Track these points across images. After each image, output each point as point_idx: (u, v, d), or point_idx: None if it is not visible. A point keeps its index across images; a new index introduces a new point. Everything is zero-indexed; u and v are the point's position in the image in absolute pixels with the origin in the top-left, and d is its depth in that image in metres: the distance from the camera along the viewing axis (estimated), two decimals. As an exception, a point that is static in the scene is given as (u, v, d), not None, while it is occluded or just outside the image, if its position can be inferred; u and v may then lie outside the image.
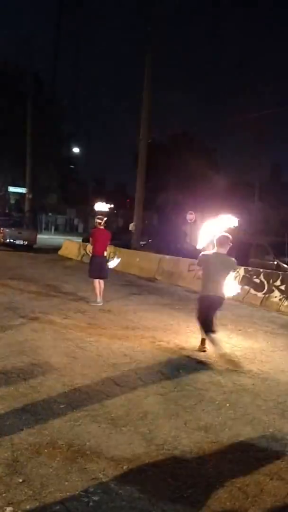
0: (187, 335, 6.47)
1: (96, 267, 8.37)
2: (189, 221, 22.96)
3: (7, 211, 33.05)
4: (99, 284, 8.34)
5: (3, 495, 2.42)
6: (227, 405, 3.95)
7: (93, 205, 38.99)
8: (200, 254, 5.61)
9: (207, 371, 4.86)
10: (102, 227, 8.48)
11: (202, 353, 5.49)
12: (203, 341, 5.59)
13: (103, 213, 8.86)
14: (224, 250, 5.37)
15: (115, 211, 42.92)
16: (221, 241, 5.37)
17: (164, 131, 35.23)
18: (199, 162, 31.65)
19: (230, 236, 5.42)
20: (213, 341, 5.20)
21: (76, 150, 40.44)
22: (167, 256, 14.07)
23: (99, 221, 8.48)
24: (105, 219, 8.60)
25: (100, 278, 8.35)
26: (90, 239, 8.45)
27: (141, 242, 19.69)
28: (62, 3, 39.78)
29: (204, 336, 5.49)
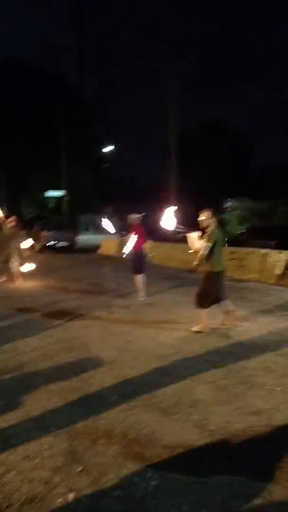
0: (233, 322, 6.42)
1: (139, 263, 8.46)
2: (227, 209, 22.66)
3: (46, 215, 33.89)
4: (141, 279, 8.43)
5: (65, 483, 2.53)
6: (278, 389, 3.91)
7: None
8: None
9: (256, 357, 4.82)
10: (138, 224, 8.57)
11: (249, 341, 5.45)
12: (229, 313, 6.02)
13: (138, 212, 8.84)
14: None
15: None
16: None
17: (196, 119, 34.86)
18: (231, 149, 31.09)
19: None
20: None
21: (108, 149, 40.80)
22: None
23: (138, 216, 8.59)
24: (141, 216, 8.67)
25: (140, 273, 8.44)
26: (128, 236, 8.55)
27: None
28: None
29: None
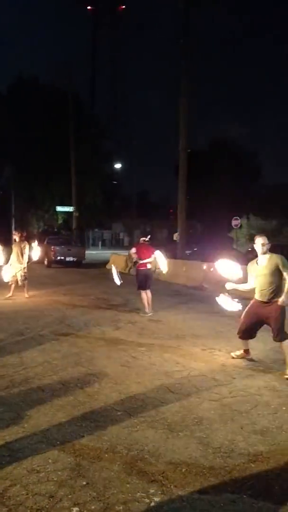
0: (238, 342, 6.41)
1: (142, 279, 8.56)
2: (235, 227, 22.71)
3: (56, 229, 34.22)
4: (146, 295, 8.50)
5: (69, 496, 2.56)
6: (283, 408, 3.91)
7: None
8: None
9: (262, 377, 4.82)
10: (146, 242, 8.95)
11: (255, 359, 5.45)
12: (246, 350, 5.53)
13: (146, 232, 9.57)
14: None
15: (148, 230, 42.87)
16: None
17: (205, 139, 35.33)
18: (239, 168, 31.33)
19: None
20: None
21: (118, 166, 41.34)
22: (214, 264, 13.97)
23: (144, 238, 9.14)
24: (149, 236, 9.34)
25: (143, 289, 8.52)
26: (134, 253, 8.84)
27: (187, 251, 19.70)
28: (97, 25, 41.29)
29: (247, 347, 5.48)
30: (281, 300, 4.86)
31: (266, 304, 5.02)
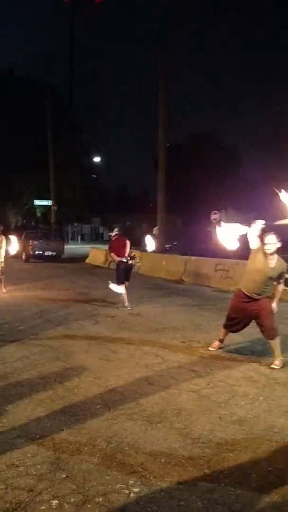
0: (217, 334, 6.49)
1: (122, 273, 8.61)
2: (213, 221, 22.88)
3: (34, 223, 33.83)
4: (116, 288, 8.54)
5: (49, 489, 2.55)
6: (261, 398, 3.99)
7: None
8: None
9: (239, 367, 4.90)
10: (116, 236, 8.98)
11: (233, 351, 5.53)
12: (221, 340, 5.59)
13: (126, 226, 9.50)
14: None
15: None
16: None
17: (184, 132, 35.42)
18: (219, 161, 31.54)
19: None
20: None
21: (97, 159, 41.04)
22: (193, 257, 14.09)
23: (111, 234, 9.31)
24: (117, 229, 9.17)
25: (123, 283, 8.57)
26: (113, 255, 8.92)
27: (166, 246, 19.76)
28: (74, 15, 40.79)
29: (224, 337, 5.55)
30: (273, 306, 4.96)
31: (253, 301, 5.02)
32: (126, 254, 8.67)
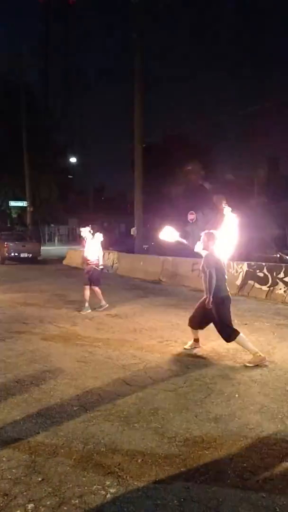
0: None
1: (99, 274, 8.60)
2: (190, 221, 23.03)
3: (9, 225, 33.35)
4: (85, 290, 8.45)
5: (24, 493, 2.53)
6: (236, 396, 4.05)
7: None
8: (209, 255, 5.24)
9: (215, 366, 4.96)
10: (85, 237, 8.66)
11: (209, 349, 5.59)
12: (196, 340, 5.65)
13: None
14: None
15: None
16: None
17: (160, 133, 35.51)
18: (194, 161, 31.79)
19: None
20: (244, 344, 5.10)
21: (73, 160, 40.80)
22: (170, 258, 14.16)
23: (82, 234, 8.77)
24: (87, 229, 8.75)
25: (85, 284, 8.50)
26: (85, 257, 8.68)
27: (144, 246, 19.79)
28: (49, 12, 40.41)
29: (197, 336, 5.63)
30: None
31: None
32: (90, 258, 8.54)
